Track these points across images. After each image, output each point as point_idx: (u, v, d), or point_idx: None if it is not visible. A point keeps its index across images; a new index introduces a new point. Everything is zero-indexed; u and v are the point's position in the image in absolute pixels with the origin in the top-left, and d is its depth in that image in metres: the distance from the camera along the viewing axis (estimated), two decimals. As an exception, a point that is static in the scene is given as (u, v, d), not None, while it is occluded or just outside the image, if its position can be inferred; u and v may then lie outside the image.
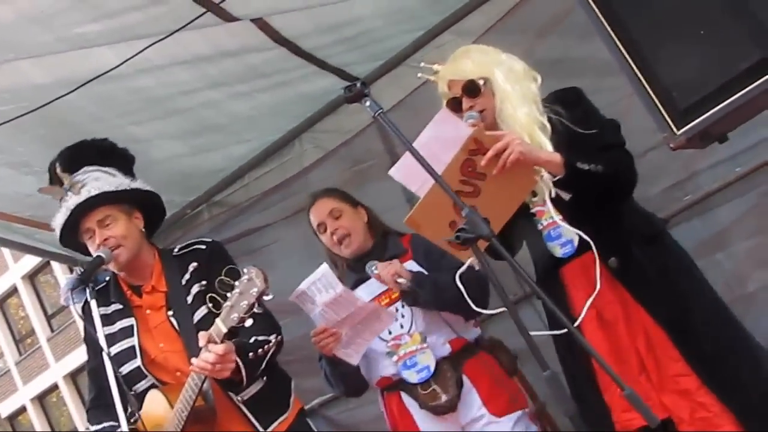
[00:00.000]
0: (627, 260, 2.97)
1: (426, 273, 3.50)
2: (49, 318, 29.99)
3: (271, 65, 4.36)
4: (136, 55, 3.83)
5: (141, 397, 3.31)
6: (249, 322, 2.95)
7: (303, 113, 4.93)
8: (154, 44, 3.82)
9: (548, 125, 2.99)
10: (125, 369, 3.31)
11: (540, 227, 3.09)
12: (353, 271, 3.65)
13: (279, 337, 3.31)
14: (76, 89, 3.93)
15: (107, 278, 3.49)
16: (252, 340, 3.20)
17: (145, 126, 4.53)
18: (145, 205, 3.46)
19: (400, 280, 3.39)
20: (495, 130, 2.93)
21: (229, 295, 2.95)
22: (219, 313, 2.99)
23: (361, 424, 5.25)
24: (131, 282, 3.44)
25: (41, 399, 30.61)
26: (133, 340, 3.36)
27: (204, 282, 3.36)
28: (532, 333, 2.32)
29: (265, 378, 3.37)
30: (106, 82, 3.93)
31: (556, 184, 2.91)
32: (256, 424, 3.30)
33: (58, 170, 3.36)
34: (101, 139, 3.54)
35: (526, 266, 3.14)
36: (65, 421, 29.78)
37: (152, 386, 3.33)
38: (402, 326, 3.49)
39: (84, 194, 3.28)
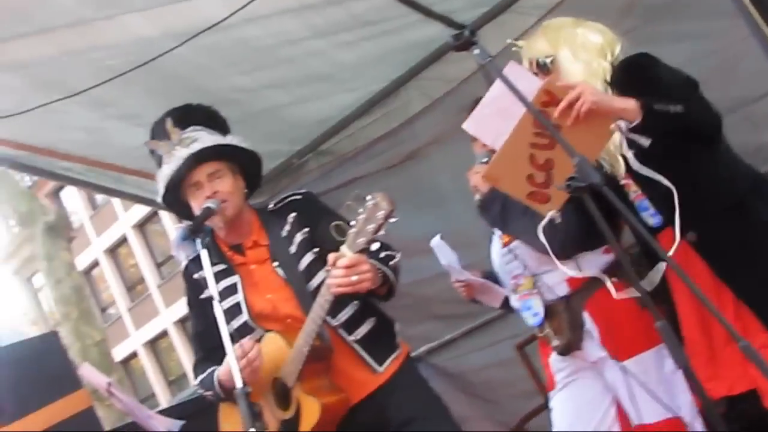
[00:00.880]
0: (705, 234, 2.96)
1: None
2: (158, 266, 30.88)
3: (376, 13, 4.30)
4: (246, 6, 3.81)
5: None
6: (375, 246, 2.99)
7: (408, 62, 4.86)
8: (261, -7, 3.79)
9: None
10: (233, 325, 3.34)
11: (631, 198, 3.07)
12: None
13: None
14: (184, 42, 3.94)
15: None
16: (382, 255, 3.21)
17: (251, 76, 4.54)
18: (247, 167, 3.48)
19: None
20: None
21: (352, 222, 2.99)
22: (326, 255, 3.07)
23: (468, 372, 5.27)
24: (230, 242, 3.48)
25: (152, 344, 31.69)
26: (238, 297, 3.40)
27: (306, 229, 3.40)
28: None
29: (374, 318, 3.39)
30: (212, 33, 3.93)
31: (634, 130, 2.87)
32: (372, 361, 3.33)
33: (168, 125, 3.37)
34: (206, 105, 3.55)
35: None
36: (174, 365, 30.78)
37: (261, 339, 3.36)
38: (518, 266, 3.41)
39: (195, 147, 3.31)
